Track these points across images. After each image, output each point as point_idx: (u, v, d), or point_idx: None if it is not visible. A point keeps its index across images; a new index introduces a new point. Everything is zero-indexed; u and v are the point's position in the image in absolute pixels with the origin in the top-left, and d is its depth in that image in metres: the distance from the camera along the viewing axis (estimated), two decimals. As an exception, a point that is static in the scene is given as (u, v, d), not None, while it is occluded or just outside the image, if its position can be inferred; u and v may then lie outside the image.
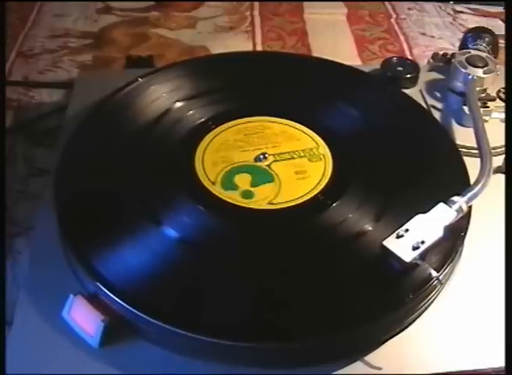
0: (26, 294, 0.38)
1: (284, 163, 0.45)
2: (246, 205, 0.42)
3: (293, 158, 0.46)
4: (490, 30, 0.58)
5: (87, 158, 0.45)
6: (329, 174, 0.44)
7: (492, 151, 0.44)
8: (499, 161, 0.47)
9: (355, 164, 0.45)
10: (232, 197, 0.42)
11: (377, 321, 0.36)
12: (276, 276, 0.38)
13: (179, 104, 0.50)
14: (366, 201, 0.42)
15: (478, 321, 0.38)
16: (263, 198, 0.42)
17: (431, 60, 0.59)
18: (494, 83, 0.52)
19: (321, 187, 0.43)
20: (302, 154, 0.46)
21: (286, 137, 0.48)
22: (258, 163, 0.45)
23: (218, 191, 0.42)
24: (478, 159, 0.43)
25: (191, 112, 0.49)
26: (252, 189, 0.43)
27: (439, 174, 0.44)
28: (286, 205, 0.42)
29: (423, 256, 0.37)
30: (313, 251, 0.39)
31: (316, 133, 0.48)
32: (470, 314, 0.38)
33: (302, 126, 0.48)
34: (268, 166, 0.45)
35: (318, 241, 0.40)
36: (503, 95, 0.52)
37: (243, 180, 0.44)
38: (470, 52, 0.53)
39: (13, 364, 0.34)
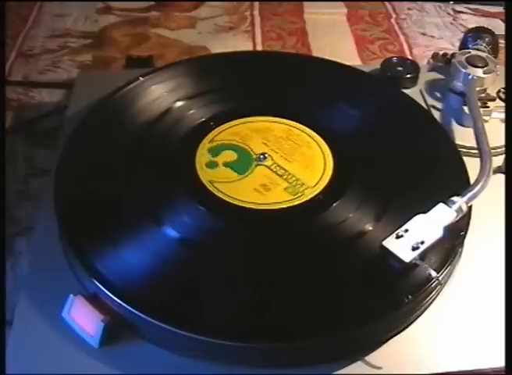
0: (26, 294, 0.38)
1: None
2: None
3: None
4: (490, 30, 0.58)
5: (87, 158, 0.45)
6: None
7: (492, 151, 0.44)
8: (499, 161, 0.47)
9: (355, 164, 0.45)
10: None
11: (377, 321, 0.36)
12: (276, 276, 0.38)
13: (179, 103, 0.50)
14: (366, 201, 0.42)
15: (478, 321, 0.38)
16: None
17: (431, 60, 0.59)
18: (494, 83, 0.52)
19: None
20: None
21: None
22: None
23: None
24: (478, 159, 0.43)
25: (191, 111, 0.49)
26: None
27: (439, 174, 0.44)
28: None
29: (423, 256, 0.37)
30: (313, 251, 0.39)
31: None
32: (470, 314, 0.38)
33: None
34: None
35: (318, 241, 0.40)
36: (503, 95, 0.52)
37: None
38: (470, 52, 0.53)
39: (13, 364, 0.34)
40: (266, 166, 0.45)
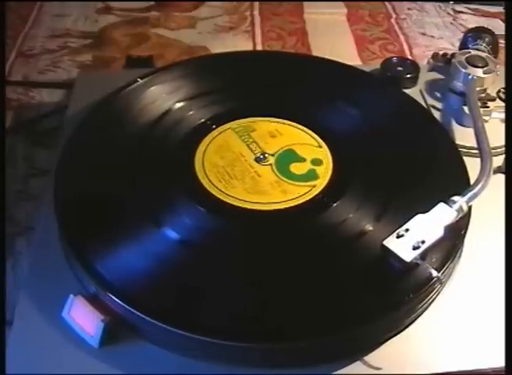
0: (26, 294, 0.38)
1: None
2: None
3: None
4: (490, 30, 0.58)
5: (87, 158, 0.45)
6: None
7: (492, 151, 0.44)
8: (499, 161, 0.47)
9: (355, 164, 0.45)
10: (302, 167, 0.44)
11: (377, 321, 0.36)
12: (276, 277, 0.38)
13: (179, 104, 0.50)
14: (366, 201, 0.42)
15: (478, 321, 0.38)
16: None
17: (431, 60, 0.59)
18: (494, 83, 0.52)
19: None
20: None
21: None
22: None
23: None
24: (478, 159, 0.43)
25: (191, 112, 0.49)
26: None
27: (439, 174, 0.44)
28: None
29: (423, 256, 0.37)
30: (313, 251, 0.39)
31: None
32: (470, 314, 0.38)
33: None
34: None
35: (319, 241, 0.40)
36: (503, 95, 0.52)
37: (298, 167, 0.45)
38: (470, 52, 0.53)
39: (13, 364, 0.34)
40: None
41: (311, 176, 0.44)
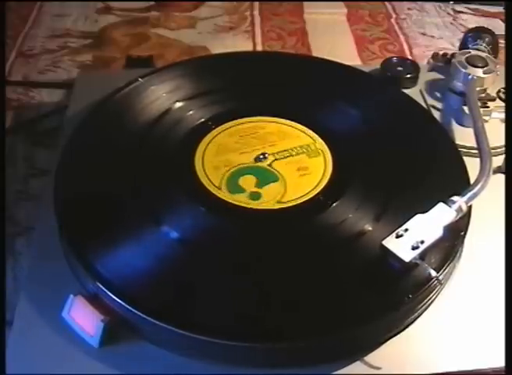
0: (26, 294, 0.38)
1: (285, 161, 0.45)
2: (245, 206, 0.42)
3: (291, 155, 0.46)
4: (490, 30, 0.58)
5: (87, 158, 0.45)
6: (329, 174, 0.44)
7: (492, 151, 0.44)
8: (499, 161, 0.47)
9: (355, 164, 0.45)
10: (240, 199, 0.42)
11: (377, 321, 0.36)
12: (276, 277, 0.38)
13: (179, 104, 0.50)
14: (366, 201, 0.42)
15: (478, 321, 0.38)
16: (271, 198, 0.42)
17: (431, 60, 0.59)
18: (494, 83, 0.52)
19: (322, 187, 0.43)
20: (300, 150, 0.46)
21: (285, 137, 0.48)
22: (260, 163, 0.45)
23: (224, 194, 0.42)
24: (478, 159, 0.43)
25: (191, 112, 0.49)
26: (259, 190, 0.43)
27: (438, 174, 0.44)
28: (286, 205, 0.42)
29: (423, 256, 0.37)
30: (313, 252, 0.39)
31: (316, 133, 0.48)
32: (470, 314, 0.38)
33: (302, 127, 0.48)
34: (270, 165, 0.45)
35: (318, 241, 0.40)
36: (503, 95, 0.52)
37: (248, 183, 0.43)
38: (470, 52, 0.53)
39: (13, 364, 0.34)
40: (266, 165, 0.45)
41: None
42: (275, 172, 0.44)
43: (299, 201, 0.42)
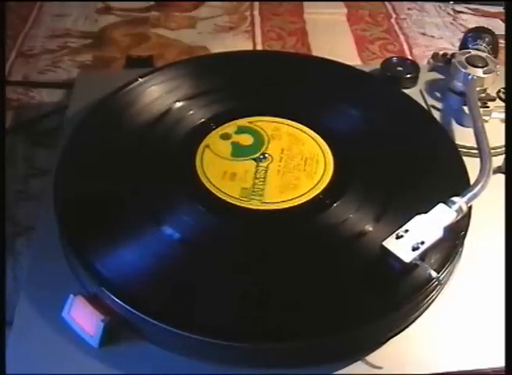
0: (26, 294, 0.38)
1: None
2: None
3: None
4: (490, 30, 0.58)
5: (87, 158, 0.45)
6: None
7: (492, 151, 0.44)
8: (499, 161, 0.47)
9: (355, 164, 0.45)
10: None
11: (377, 321, 0.36)
12: (276, 277, 0.38)
13: (179, 104, 0.50)
14: (366, 201, 0.42)
15: (478, 321, 0.38)
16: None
17: (431, 60, 0.59)
18: (494, 83, 0.52)
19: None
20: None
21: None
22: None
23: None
24: (478, 159, 0.43)
25: (191, 112, 0.49)
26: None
27: (439, 174, 0.44)
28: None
29: (423, 257, 0.37)
30: (313, 252, 0.39)
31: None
32: (470, 314, 0.38)
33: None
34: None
35: (319, 242, 0.40)
36: (503, 95, 0.52)
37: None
38: (470, 52, 0.53)
39: (13, 364, 0.34)
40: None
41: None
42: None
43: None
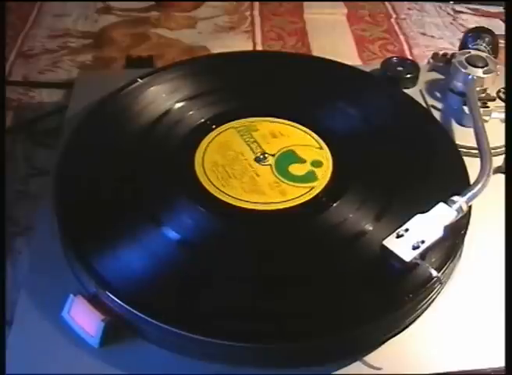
0: (26, 294, 0.38)
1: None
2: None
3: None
4: (490, 30, 0.58)
5: (87, 158, 0.45)
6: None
7: (492, 151, 0.44)
8: (499, 161, 0.47)
9: (355, 164, 0.45)
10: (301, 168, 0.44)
11: (377, 321, 0.36)
12: (277, 277, 0.38)
13: (179, 104, 0.50)
14: (366, 201, 0.42)
15: (478, 321, 0.38)
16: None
17: (431, 60, 0.59)
18: (494, 83, 0.52)
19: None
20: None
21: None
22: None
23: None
24: (478, 159, 0.43)
25: (191, 112, 0.49)
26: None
27: (439, 174, 0.44)
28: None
29: (423, 256, 0.37)
30: (313, 252, 0.39)
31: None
32: (470, 314, 0.38)
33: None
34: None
35: (319, 241, 0.40)
36: (503, 95, 0.52)
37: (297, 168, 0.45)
38: (470, 52, 0.53)
39: (13, 364, 0.34)
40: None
41: (309, 177, 0.44)
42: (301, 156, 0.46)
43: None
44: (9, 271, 0.47)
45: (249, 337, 0.34)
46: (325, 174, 0.44)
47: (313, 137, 0.48)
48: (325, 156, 0.46)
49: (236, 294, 0.37)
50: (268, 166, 0.45)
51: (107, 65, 0.73)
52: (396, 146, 0.47)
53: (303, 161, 0.45)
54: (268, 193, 0.43)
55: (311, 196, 0.43)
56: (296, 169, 0.45)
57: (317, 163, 0.45)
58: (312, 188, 0.43)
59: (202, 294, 0.36)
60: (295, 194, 0.43)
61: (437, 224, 0.38)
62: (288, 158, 0.46)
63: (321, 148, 0.47)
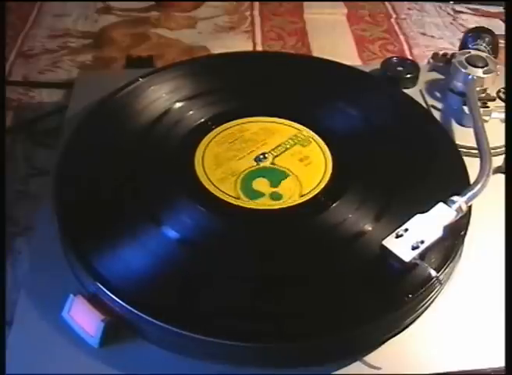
0: (26, 294, 0.38)
1: (284, 156, 0.46)
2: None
3: (286, 149, 0.46)
4: (490, 30, 0.58)
5: (87, 158, 0.45)
6: (329, 174, 0.44)
7: (492, 151, 0.44)
8: (499, 161, 0.47)
9: (355, 164, 0.45)
10: (264, 203, 0.42)
11: (377, 321, 0.36)
12: (276, 277, 0.38)
13: (178, 104, 0.50)
14: (366, 201, 0.42)
15: (478, 321, 0.38)
16: (292, 194, 0.43)
17: (431, 60, 0.59)
18: (494, 83, 0.52)
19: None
20: (292, 142, 0.47)
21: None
22: (263, 164, 0.45)
23: (245, 202, 0.42)
24: (478, 159, 0.43)
25: (191, 112, 0.49)
26: (276, 189, 0.43)
27: (438, 174, 0.44)
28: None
29: (422, 256, 0.37)
30: (313, 252, 0.39)
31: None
32: (470, 314, 0.38)
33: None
34: (273, 163, 0.45)
35: (318, 241, 0.40)
36: (503, 95, 0.52)
37: (262, 185, 0.43)
38: (470, 52, 0.53)
39: (13, 364, 0.34)
40: (269, 164, 0.45)
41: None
42: (282, 168, 0.45)
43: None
44: (9, 271, 0.47)
45: (249, 337, 0.34)
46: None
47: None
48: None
49: (236, 294, 0.37)
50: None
51: (107, 65, 0.73)
52: (396, 146, 0.47)
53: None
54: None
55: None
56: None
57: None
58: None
59: (202, 293, 0.36)
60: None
61: (437, 224, 0.38)
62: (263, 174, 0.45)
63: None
